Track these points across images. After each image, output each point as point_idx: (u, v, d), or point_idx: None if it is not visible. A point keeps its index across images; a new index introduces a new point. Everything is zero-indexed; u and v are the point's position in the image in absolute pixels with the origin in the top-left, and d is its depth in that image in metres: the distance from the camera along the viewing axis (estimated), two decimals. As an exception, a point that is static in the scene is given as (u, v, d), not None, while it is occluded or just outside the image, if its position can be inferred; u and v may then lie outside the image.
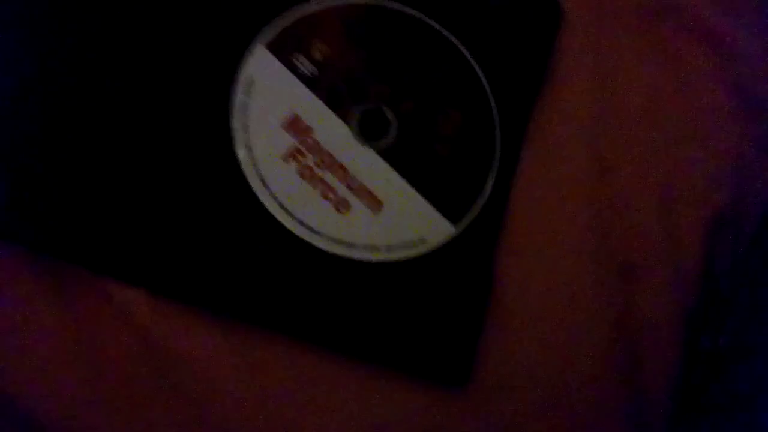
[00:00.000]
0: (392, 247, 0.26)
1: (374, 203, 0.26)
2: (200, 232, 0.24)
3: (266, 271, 0.25)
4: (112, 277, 0.24)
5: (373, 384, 0.25)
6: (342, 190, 0.26)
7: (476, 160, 0.27)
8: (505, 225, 0.27)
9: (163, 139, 0.25)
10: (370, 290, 0.25)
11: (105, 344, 0.24)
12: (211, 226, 0.25)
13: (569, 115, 0.28)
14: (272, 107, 0.25)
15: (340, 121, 0.26)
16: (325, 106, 0.26)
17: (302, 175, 0.25)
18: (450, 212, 0.26)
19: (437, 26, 0.27)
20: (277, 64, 0.25)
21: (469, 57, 0.27)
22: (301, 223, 0.25)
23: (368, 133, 0.26)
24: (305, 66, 0.26)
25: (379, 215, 0.26)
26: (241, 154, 0.25)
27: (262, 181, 0.25)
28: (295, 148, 0.25)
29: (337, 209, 0.26)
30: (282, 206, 0.25)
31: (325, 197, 0.25)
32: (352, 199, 0.26)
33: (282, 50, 0.26)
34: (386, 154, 0.26)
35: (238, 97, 0.25)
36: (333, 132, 0.26)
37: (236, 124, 0.25)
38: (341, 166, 0.26)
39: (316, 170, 0.25)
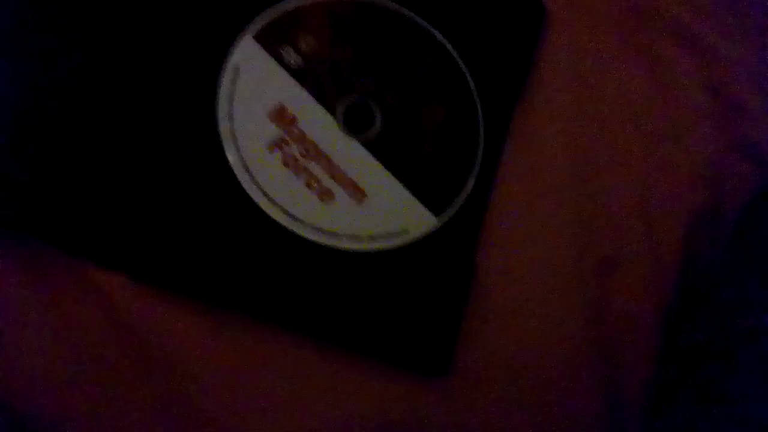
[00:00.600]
0: (375, 237, 0.26)
1: (358, 193, 0.26)
2: (183, 219, 0.24)
3: (247, 258, 0.25)
4: (92, 262, 0.24)
5: (352, 372, 0.25)
6: (326, 180, 0.26)
7: (460, 154, 0.27)
8: (487, 218, 0.27)
9: (147, 127, 0.25)
10: (351, 279, 0.25)
11: (86, 330, 0.24)
12: (195, 213, 0.25)
13: (552, 112, 0.28)
14: (258, 97, 0.25)
15: (326, 112, 0.26)
16: (311, 98, 0.26)
17: (286, 165, 0.25)
18: (433, 204, 0.27)
19: (423, 23, 0.27)
20: (263, 55, 0.26)
21: (454, 54, 0.27)
22: (285, 211, 0.25)
23: (353, 124, 0.26)
24: (292, 57, 0.26)
25: (363, 205, 0.26)
26: (226, 142, 0.25)
27: (246, 169, 0.25)
28: (280, 138, 0.26)
29: (321, 199, 0.26)
30: (265, 194, 0.25)
31: (309, 186, 0.26)
32: (336, 189, 0.26)
33: (269, 42, 0.26)
34: (371, 146, 0.26)
35: (224, 86, 0.25)
36: (318, 123, 0.26)
37: (221, 113, 0.25)
38: (326, 157, 0.26)
39: (301, 160, 0.26)
